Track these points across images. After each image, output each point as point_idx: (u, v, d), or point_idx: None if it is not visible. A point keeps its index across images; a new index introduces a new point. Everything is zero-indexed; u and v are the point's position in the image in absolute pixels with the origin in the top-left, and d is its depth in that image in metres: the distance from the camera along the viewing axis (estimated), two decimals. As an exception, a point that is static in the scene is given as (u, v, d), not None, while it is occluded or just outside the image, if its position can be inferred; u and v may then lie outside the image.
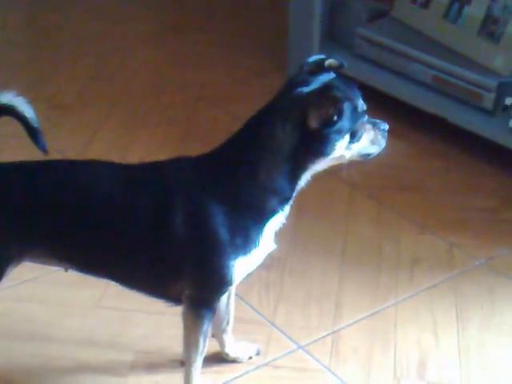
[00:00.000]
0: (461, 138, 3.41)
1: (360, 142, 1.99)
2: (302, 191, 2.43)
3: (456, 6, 3.51)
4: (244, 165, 1.96)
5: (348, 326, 2.48)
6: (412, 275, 2.70)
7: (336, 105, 1.89)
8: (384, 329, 2.48)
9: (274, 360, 2.36)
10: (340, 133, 1.92)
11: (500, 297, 2.62)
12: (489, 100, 3.28)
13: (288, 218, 2.59)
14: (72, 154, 3.30)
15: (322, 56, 2.03)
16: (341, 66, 2.02)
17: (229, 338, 2.33)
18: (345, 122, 1.92)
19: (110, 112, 3.66)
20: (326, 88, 1.91)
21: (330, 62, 2.00)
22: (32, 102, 3.68)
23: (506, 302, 2.59)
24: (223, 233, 1.95)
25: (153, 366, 2.34)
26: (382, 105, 3.65)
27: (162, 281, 2.07)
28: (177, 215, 1.96)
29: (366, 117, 2.00)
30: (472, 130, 3.31)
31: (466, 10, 3.46)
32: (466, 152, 3.37)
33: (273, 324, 2.46)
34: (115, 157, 3.27)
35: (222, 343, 2.33)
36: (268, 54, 4.21)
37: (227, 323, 2.29)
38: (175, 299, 2.10)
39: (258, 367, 2.34)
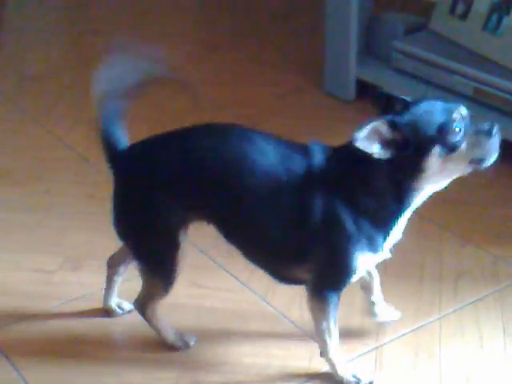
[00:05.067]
0: (506, 150, 3.36)
1: (458, 153, 2.05)
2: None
3: (495, 16, 3.48)
4: (361, 181, 2.12)
5: (391, 340, 2.46)
6: (456, 289, 2.66)
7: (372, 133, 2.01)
8: (428, 344, 2.45)
9: (319, 376, 2.33)
10: (420, 151, 2.03)
11: (547, 309, 2.57)
12: (531, 110, 3.25)
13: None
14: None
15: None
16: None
17: (379, 301, 2.47)
18: (416, 139, 2.02)
19: (151, 133, 3.68)
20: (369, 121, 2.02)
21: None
22: (73, 125, 3.79)
23: (554, 315, 2.55)
24: (352, 229, 2.12)
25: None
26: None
27: (285, 261, 2.25)
28: (316, 207, 2.12)
29: (457, 127, 2.04)
30: (515, 142, 3.26)
31: (505, 20, 3.43)
32: (511, 164, 3.33)
33: (315, 339, 2.44)
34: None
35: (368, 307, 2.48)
36: (305, 70, 4.21)
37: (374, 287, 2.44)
38: (289, 281, 2.30)
39: (306, 381, 2.33)
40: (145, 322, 2.45)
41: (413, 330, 2.49)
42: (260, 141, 2.18)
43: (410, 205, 2.15)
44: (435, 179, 2.10)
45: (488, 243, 2.87)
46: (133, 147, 2.30)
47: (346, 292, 2.39)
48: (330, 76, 3.91)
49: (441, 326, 2.51)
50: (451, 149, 2.04)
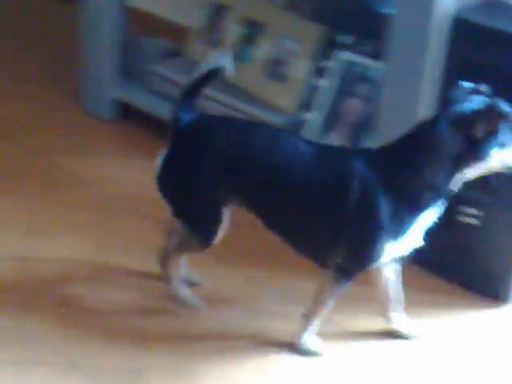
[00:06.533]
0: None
1: (507, 150, 2.31)
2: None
3: (246, 47, 3.70)
4: (411, 164, 2.34)
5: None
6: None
7: (502, 119, 2.25)
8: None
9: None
10: (501, 144, 2.29)
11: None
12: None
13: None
14: None
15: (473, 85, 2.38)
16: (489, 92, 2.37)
17: (399, 315, 2.67)
18: (506, 136, 2.29)
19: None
20: (494, 106, 2.26)
21: (483, 87, 2.37)
22: None
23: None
24: (384, 219, 2.34)
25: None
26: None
27: (320, 246, 2.48)
28: (352, 196, 2.35)
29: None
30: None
31: (256, 51, 3.66)
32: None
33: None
34: None
35: (389, 321, 2.68)
36: (66, 87, 4.22)
37: (397, 302, 2.63)
38: (322, 264, 2.49)
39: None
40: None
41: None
42: (301, 144, 2.47)
43: (447, 192, 2.37)
44: (481, 169, 2.35)
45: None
46: (200, 116, 2.57)
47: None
48: (88, 95, 3.98)
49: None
50: (504, 145, 2.31)
